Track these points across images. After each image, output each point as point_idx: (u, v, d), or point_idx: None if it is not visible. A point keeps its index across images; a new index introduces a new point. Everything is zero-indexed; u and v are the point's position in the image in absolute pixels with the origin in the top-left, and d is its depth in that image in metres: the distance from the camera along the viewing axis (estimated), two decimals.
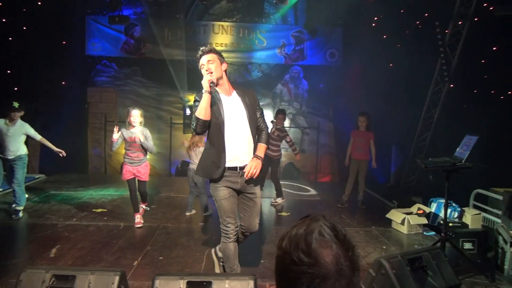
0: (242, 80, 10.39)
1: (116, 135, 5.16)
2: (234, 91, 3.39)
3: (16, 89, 9.63)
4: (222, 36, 10.14)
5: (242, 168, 3.29)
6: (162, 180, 8.86)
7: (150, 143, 5.35)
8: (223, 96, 3.33)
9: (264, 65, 10.53)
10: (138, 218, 5.46)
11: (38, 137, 5.80)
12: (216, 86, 3.29)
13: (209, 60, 3.26)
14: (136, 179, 5.46)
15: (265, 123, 3.51)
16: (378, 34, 8.88)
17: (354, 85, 9.48)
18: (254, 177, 3.29)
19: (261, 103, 3.76)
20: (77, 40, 9.66)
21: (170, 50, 9.99)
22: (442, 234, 4.08)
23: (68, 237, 4.85)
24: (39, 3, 9.37)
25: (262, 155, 3.33)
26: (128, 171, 5.36)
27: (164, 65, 10.25)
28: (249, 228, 3.50)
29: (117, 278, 2.79)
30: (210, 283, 2.66)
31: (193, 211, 6.03)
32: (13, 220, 5.46)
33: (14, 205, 5.62)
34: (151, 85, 10.34)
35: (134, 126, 5.30)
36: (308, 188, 8.48)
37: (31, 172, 9.65)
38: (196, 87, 10.41)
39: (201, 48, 3.32)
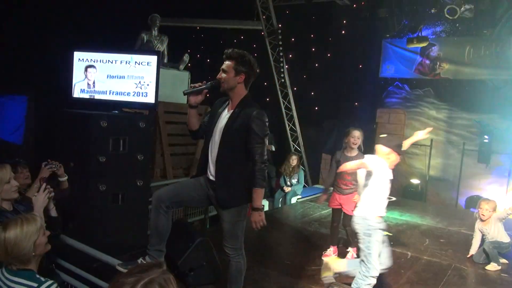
0: None
1: None
2: (237, 108, 2.99)
3: (316, 108, 11.06)
4: None
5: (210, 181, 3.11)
6: (449, 211, 8.12)
7: None
8: (224, 111, 3.07)
9: None
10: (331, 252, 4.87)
11: None
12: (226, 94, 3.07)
13: (223, 68, 2.97)
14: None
15: (257, 154, 2.91)
16: None
17: None
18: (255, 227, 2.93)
19: None
20: (372, 64, 10.12)
21: (470, 69, 9.08)
22: None
23: None
24: (343, 32, 10.44)
25: (258, 204, 2.92)
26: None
27: (460, 86, 9.44)
28: None
29: None
30: None
31: (504, 260, 4.95)
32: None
33: None
34: (443, 107, 9.71)
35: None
36: None
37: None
38: (498, 110, 9.08)
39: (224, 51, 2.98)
